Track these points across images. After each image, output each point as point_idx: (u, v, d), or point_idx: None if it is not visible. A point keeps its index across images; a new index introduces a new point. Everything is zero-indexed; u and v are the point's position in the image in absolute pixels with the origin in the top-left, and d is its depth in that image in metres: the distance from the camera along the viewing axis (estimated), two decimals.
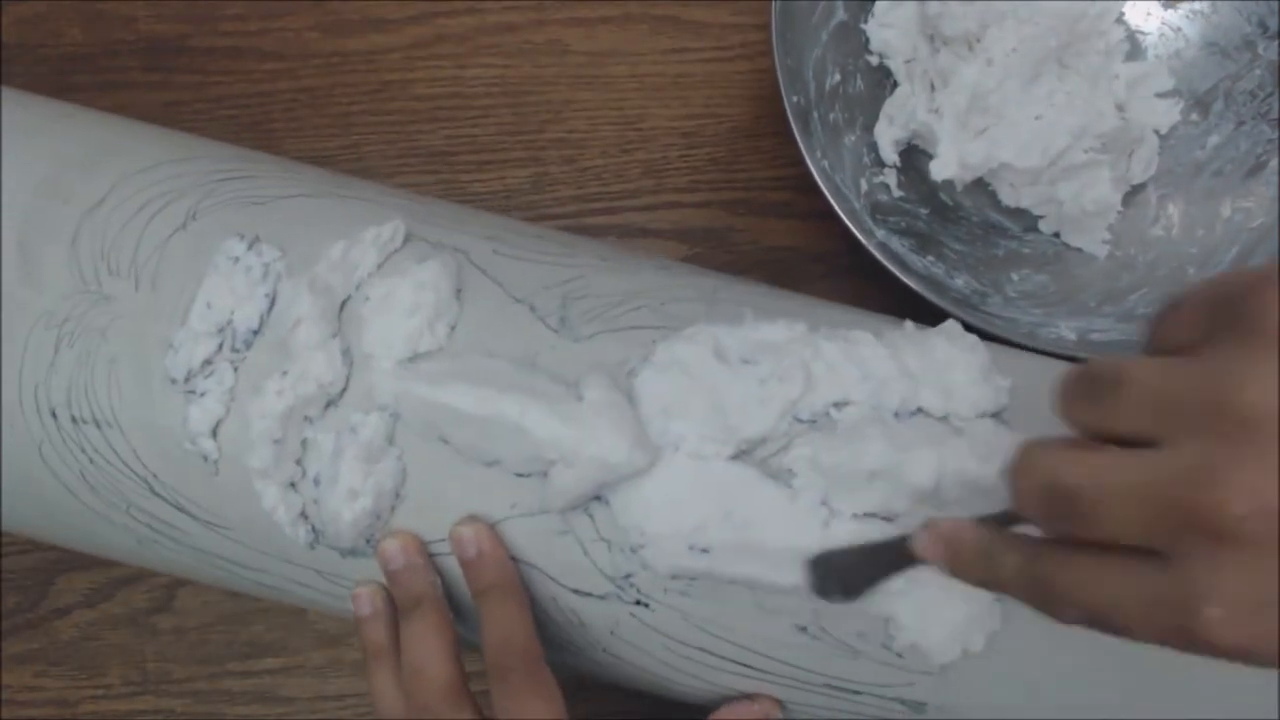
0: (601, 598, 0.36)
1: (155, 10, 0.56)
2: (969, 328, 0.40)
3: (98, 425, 0.37)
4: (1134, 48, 0.54)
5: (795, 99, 0.47)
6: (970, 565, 0.29)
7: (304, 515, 0.36)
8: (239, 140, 0.53)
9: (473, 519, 0.36)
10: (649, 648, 0.37)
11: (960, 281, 0.50)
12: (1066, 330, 0.47)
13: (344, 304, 0.37)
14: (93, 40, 0.55)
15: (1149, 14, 0.54)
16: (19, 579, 0.51)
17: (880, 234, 0.49)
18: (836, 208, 0.45)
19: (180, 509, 0.37)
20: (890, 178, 0.52)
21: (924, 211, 0.52)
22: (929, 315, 0.43)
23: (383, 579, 0.37)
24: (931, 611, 0.35)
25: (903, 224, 0.51)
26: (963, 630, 0.35)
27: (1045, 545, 0.27)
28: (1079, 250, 0.52)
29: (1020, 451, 0.27)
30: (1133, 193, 0.53)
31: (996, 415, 0.37)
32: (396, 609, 0.37)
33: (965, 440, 0.35)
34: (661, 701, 0.41)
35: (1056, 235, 0.53)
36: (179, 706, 0.51)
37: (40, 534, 0.42)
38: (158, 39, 0.55)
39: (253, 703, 0.51)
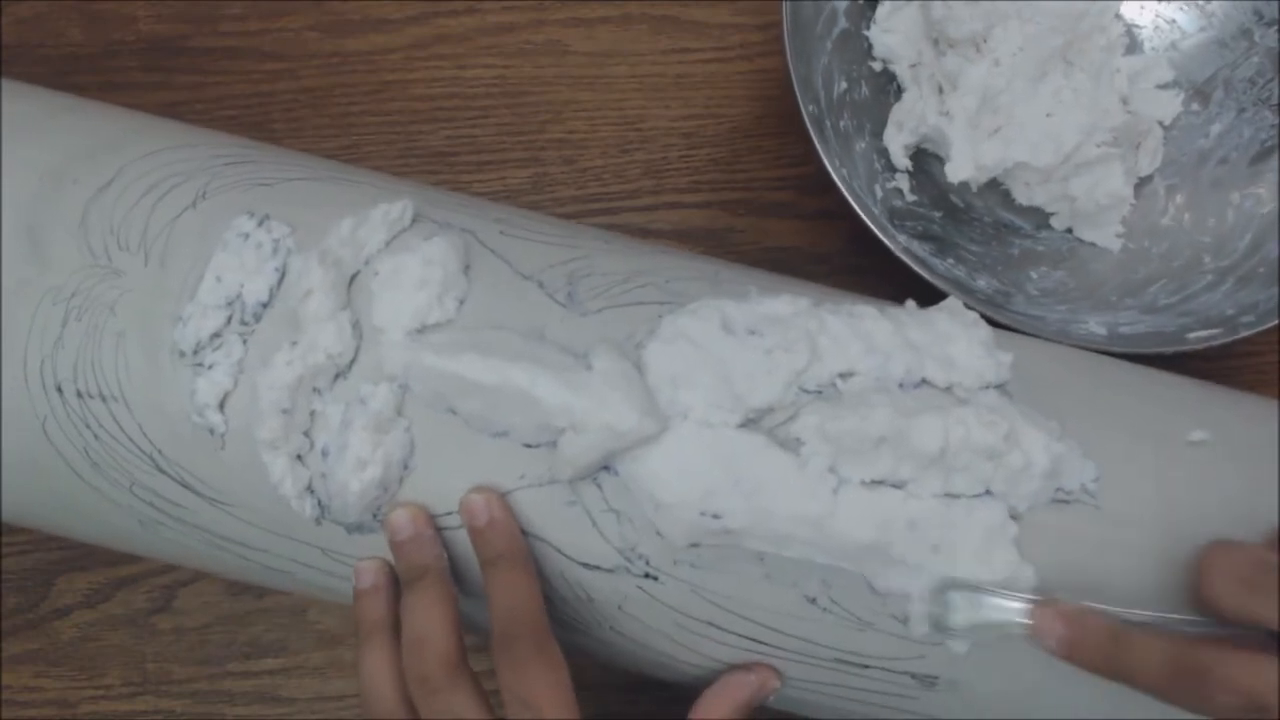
0: (610, 571, 0.36)
1: (155, 10, 0.56)
2: (1000, 327, 0.40)
3: (104, 400, 0.37)
4: (1132, 41, 0.54)
5: (810, 108, 0.47)
6: (1095, 651, 0.31)
7: (310, 489, 0.36)
8: None
9: (483, 487, 0.36)
10: (656, 623, 0.37)
11: (982, 283, 0.50)
12: (1096, 325, 0.47)
13: (353, 278, 0.37)
14: (93, 40, 0.55)
15: (1142, 8, 0.55)
16: (19, 579, 0.51)
17: (902, 239, 0.49)
18: (867, 221, 0.45)
19: (185, 485, 0.37)
20: (903, 182, 0.52)
21: (937, 215, 0.52)
22: None
23: (389, 558, 0.37)
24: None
25: (919, 228, 0.51)
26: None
27: (1198, 639, 0.30)
28: (1093, 245, 0.52)
29: (1215, 660, 0.30)
30: (1140, 185, 0.53)
31: (1000, 388, 0.37)
32: (398, 587, 0.36)
33: (970, 408, 0.35)
34: (662, 701, 0.41)
35: (1069, 231, 0.53)
36: (179, 707, 0.51)
37: (41, 520, 0.42)
38: (158, 39, 0.55)
39: (253, 703, 0.51)
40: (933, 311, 0.38)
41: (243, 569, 0.40)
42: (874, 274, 0.51)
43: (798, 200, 0.55)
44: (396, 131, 0.55)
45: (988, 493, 0.35)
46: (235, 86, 0.55)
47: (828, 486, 0.35)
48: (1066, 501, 0.36)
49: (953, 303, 0.39)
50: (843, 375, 0.36)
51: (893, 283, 0.45)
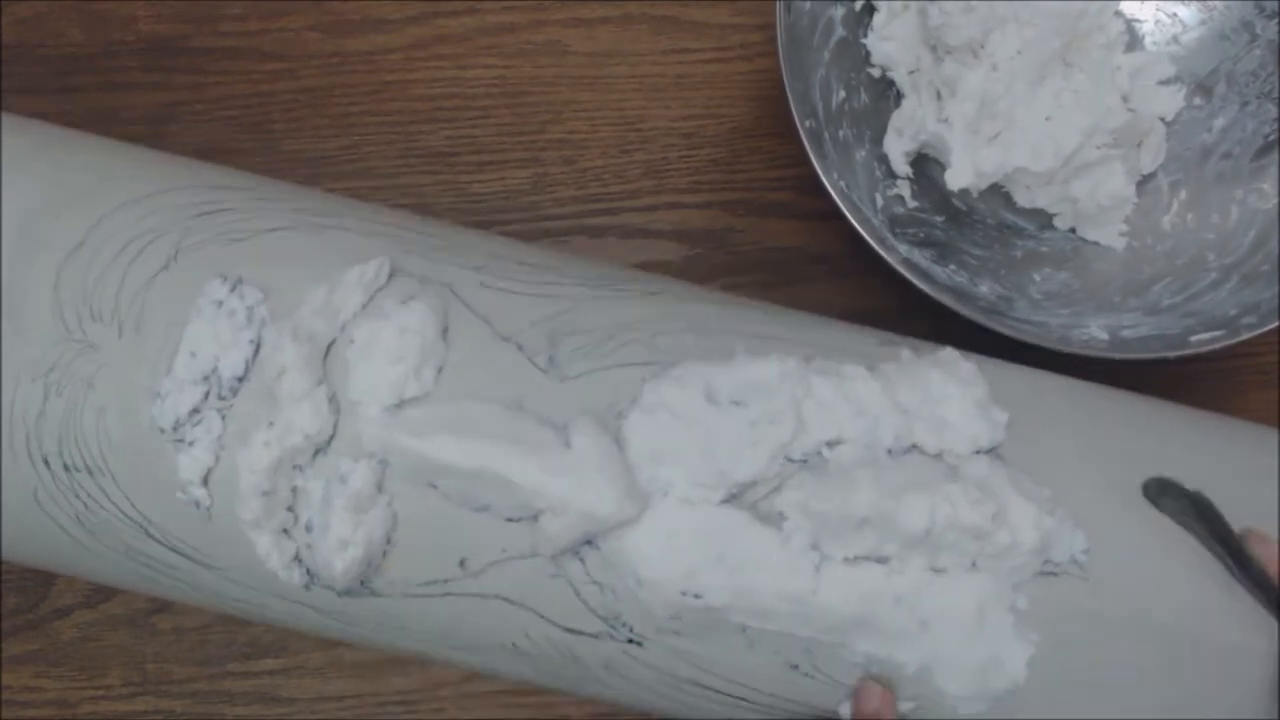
0: (594, 636, 0.36)
1: (155, 10, 0.55)
2: (1001, 338, 0.40)
3: (90, 473, 0.37)
4: (1132, 37, 0.54)
5: (808, 123, 0.46)
6: None
7: (298, 559, 0.36)
8: (238, 141, 0.53)
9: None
10: (644, 682, 0.37)
11: (984, 288, 0.49)
12: (1097, 330, 0.47)
13: (329, 347, 0.37)
14: (93, 40, 0.55)
15: (1142, 4, 0.54)
16: (19, 579, 0.51)
17: (903, 249, 0.49)
18: (867, 236, 0.44)
19: (176, 551, 0.37)
20: (904, 189, 0.52)
21: (939, 219, 0.52)
22: (949, 320, 0.42)
23: (396, 621, 0.37)
24: (949, 664, 0.35)
25: (921, 235, 0.51)
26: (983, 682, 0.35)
27: None
28: (1096, 244, 0.52)
29: None
30: (1143, 182, 0.53)
31: (992, 450, 0.37)
32: None
33: (959, 485, 0.35)
34: None
35: (1073, 231, 0.53)
36: (179, 707, 0.51)
37: (45, 568, 0.42)
38: (158, 39, 0.55)
39: (253, 703, 0.51)
40: (925, 366, 0.38)
41: (246, 615, 0.40)
42: (873, 275, 0.51)
43: (798, 200, 0.55)
44: (396, 131, 0.55)
45: (974, 567, 0.35)
46: (235, 86, 0.55)
47: (810, 563, 0.34)
48: (1054, 574, 0.36)
49: (948, 355, 0.38)
50: (830, 443, 0.36)
51: (893, 284, 0.45)
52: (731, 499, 0.35)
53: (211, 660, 0.51)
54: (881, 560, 0.35)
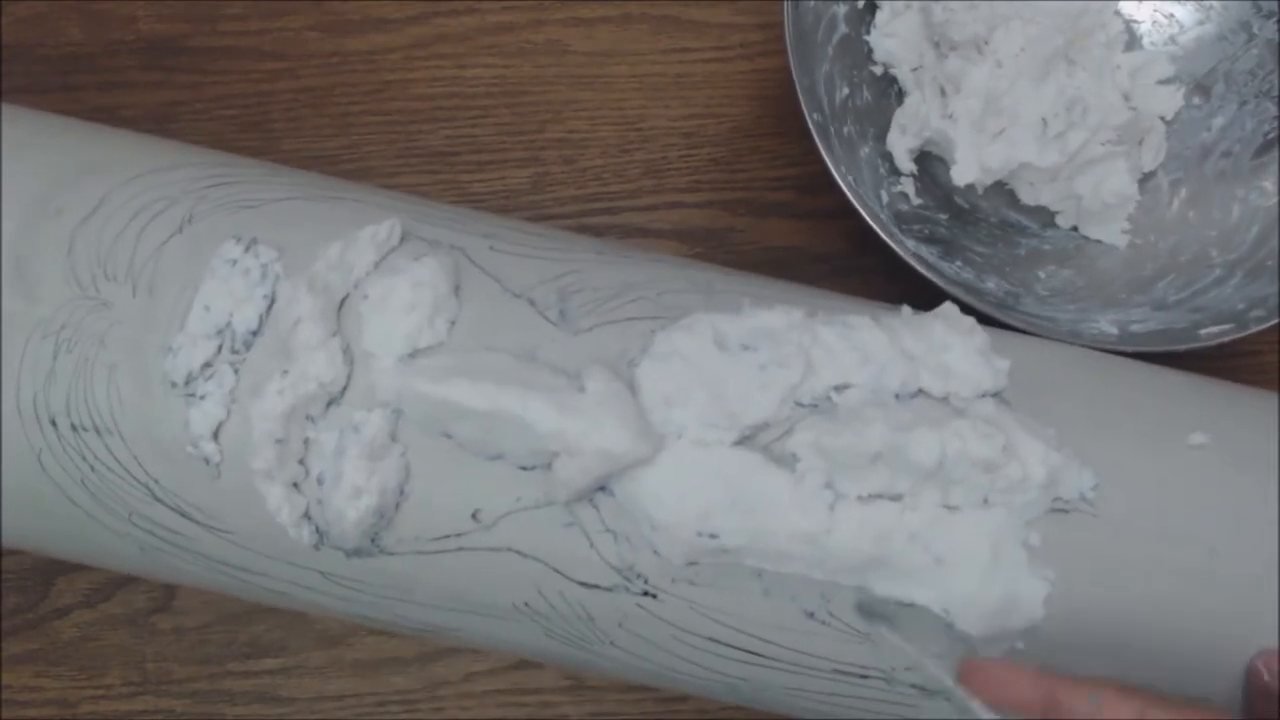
0: (609, 590, 0.36)
1: (155, 10, 0.55)
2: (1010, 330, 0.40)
3: (98, 432, 0.37)
4: (1131, 37, 0.54)
5: (815, 116, 0.46)
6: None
7: (308, 516, 0.36)
8: (238, 140, 0.53)
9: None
10: (657, 639, 0.37)
11: (991, 284, 0.50)
12: (1107, 325, 0.47)
13: (343, 302, 0.37)
14: (93, 40, 0.55)
15: (1140, 4, 0.54)
16: (19, 579, 0.51)
17: (910, 244, 0.49)
18: (877, 229, 0.44)
19: (183, 514, 0.37)
20: (908, 186, 0.52)
21: (943, 217, 0.52)
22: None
23: (391, 580, 0.37)
24: (967, 604, 0.35)
25: (926, 231, 0.51)
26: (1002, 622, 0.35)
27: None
28: (1099, 242, 0.52)
29: None
30: (1144, 180, 0.53)
31: (997, 395, 0.37)
32: None
33: (967, 420, 0.35)
34: (662, 701, 0.41)
35: (1074, 229, 0.53)
36: (179, 706, 0.51)
37: (40, 546, 0.42)
38: (158, 39, 0.55)
39: (253, 703, 0.51)
40: (929, 318, 0.38)
41: (243, 590, 0.40)
42: (875, 274, 0.51)
43: (798, 200, 0.55)
44: (396, 131, 0.55)
45: (985, 503, 0.35)
46: (235, 86, 0.55)
47: (824, 503, 0.34)
48: (1065, 511, 0.36)
49: (949, 308, 0.39)
50: (838, 388, 0.36)
51: (895, 283, 0.45)
52: (744, 441, 0.35)
53: (211, 660, 0.51)
54: (894, 498, 0.35)
